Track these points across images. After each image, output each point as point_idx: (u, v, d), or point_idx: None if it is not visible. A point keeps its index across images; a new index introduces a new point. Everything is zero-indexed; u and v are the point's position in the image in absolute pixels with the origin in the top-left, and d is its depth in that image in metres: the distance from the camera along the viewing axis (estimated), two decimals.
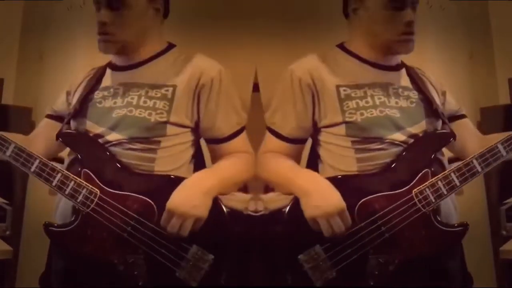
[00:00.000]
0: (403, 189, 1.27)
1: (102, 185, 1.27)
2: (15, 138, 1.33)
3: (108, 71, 1.45)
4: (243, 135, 1.44)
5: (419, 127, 1.34)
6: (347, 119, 1.33)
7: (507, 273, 1.97)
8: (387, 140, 1.31)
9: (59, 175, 1.27)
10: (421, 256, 1.24)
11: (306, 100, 1.38)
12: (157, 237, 1.24)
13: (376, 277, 1.22)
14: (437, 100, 1.42)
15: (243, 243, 1.33)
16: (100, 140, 1.32)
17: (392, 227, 1.24)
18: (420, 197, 1.25)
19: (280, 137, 1.42)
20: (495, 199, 2.03)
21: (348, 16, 1.45)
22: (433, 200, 1.25)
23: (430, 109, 1.37)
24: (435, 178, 1.27)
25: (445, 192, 1.26)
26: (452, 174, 1.26)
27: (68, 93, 1.48)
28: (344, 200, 1.24)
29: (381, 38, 1.38)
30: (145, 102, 1.34)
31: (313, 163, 1.42)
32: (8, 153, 1.28)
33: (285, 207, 1.31)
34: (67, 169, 1.32)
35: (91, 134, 1.33)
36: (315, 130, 1.41)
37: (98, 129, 1.34)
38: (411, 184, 1.27)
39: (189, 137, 1.39)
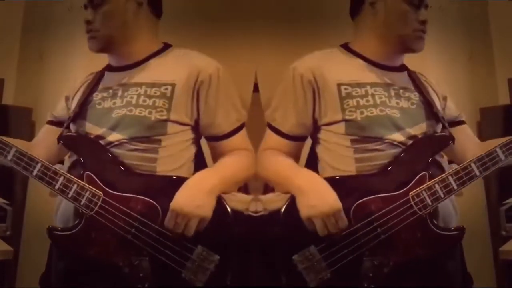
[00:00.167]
0: (400, 191, 1.26)
1: (105, 188, 1.27)
2: (16, 144, 1.32)
3: (106, 73, 1.45)
4: (243, 132, 1.44)
5: (418, 129, 1.34)
6: (347, 117, 1.33)
7: (506, 274, 1.97)
8: (386, 140, 1.31)
9: (62, 178, 1.26)
10: (417, 258, 1.24)
11: (307, 97, 1.38)
12: (161, 238, 1.24)
13: (370, 279, 1.22)
14: (438, 104, 1.42)
15: (244, 243, 1.32)
16: (101, 142, 1.32)
17: (388, 229, 1.23)
18: (417, 199, 1.25)
19: (280, 134, 1.42)
20: (495, 200, 2.03)
21: (356, 14, 1.46)
22: (430, 203, 1.25)
23: (431, 111, 1.37)
24: (433, 181, 1.26)
25: (442, 196, 1.25)
26: (450, 178, 1.26)
27: (67, 98, 1.48)
28: (341, 201, 1.24)
29: (397, 32, 1.39)
30: (144, 101, 1.34)
31: (313, 162, 1.42)
32: (10, 157, 1.27)
33: (282, 207, 1.30)
34: (68, 171, 1.32)
35: (91, 136, 1.33)
36: (315, 128, 1.41)
37: (98, 131, 1.33)
38: (408, 186, 1.27)
39: (189, 135, 1.39)
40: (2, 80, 2.18)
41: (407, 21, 1.38)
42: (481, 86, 2.28)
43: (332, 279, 1.22)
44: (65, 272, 1.30)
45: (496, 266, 2.03)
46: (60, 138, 1.35)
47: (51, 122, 1.49)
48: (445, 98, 1.48)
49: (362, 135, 1.32)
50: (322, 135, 1.39)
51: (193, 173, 1.36)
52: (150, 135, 1.32)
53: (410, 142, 1.31)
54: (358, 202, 1.25)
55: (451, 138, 1.34)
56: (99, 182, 1.27)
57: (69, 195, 1.25)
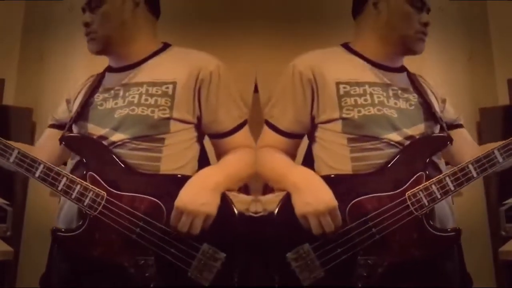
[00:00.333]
0: (396, 191, 1.25)
1: (108, 187, 1.26)
2: (25, 148, 1.32)
3: (107, 74, 1.45)
4: (246, 129, 1.43)
5: (416, 130, 1.33)
6: (344, 116, 1.33)
7: (506, 274, 1.97)
8: (383, 140, 1.31)
9: (64, 179, 1.25)
10: (412, 259, 1.22)
11: (306, 94, 1.38)
12: (166, 237, 1.22)
13: (364, 279, 1.21)
14: (436, 106, 1.42)
15: (247, 244, 1.31)
16: (104, 142, 1.31)
17: (383, 229, 1.22)
18: (413, 200, 1.24)
19: (277, 131, 1.42)
20: (495, 200, 2.03)
21: (358, 14, 1.46)
22: (426, 204, 1.23)
23: (429, 113, 1.37)
24: (430, 181, 1.25)
25: (439, 196, 1.24)
26: (447, 178, 1.25)
27: (68, 101, 1.48)
28: (336, 200, 1.22)
29: (399, 33, 1.39)
30: (146, 100, 1.33)
31: (310, 161, 1.41)
32: (12, 159, 1.26)
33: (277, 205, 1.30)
34: (71, 172, 1.30)
35: (94, 137, 1.32)
36: (312, 126, 1.40)
37: (101, 131, 1.32)
38: (405, 186, 1.25)
39: (192, 133, 1.38)
40: (3, 80, 2.19)
41: (409, 22, 1.38)
42: (480, 86, 2.29)
43: (325, 278, 1.21)
44: (69, 273, 1.29)
45: (495, 266, 2.04)
46: (62, 139, 1.34)
47: (53, 126, 1.49)
48: (444, 101, 1.48)
49: (359, 133, 1.31)
50: (319, 133, 1.39)
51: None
52: (153, 134, 1.32)
53: (408, 142, 1.31)
54: (354, 201, 1.24)
55: (449, 139, 1.33)
56: (102, 182, 1.26)
57: (72, 196, 1.24)
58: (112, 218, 1.23)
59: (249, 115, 1.49)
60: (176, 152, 1.34)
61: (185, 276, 1.22)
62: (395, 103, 1.35)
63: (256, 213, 1.45)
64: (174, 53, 1.44)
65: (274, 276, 1.24)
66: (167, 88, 1.35)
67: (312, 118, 1.39)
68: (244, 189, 1.52)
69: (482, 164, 1.25)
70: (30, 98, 2.28)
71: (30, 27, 2.35)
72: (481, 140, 2.13)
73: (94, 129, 1.33)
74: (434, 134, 1.35)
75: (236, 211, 1.29)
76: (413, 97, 1.38)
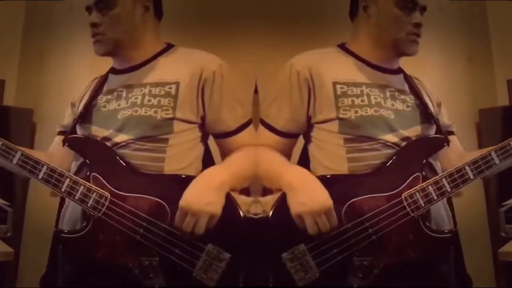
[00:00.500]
0: (392, 192, 1.24)
1: (112, 188, 1.25)
2: (37, 155, 1.31)
3: (110, 76, 1.45)
4: (251, 128, 1.42)
5: (413, 131, 1.33)
6: (341, 116, 1.32)
7: (506, 275, 1.97)
8: (379, 141, 1.30)
9: (68, 180, 1.24)
10: (408, 260, 1.22)
11: (303, 94, 1.37)
12: (171, 237, 1.22)
13: (360, 280, 1.20)
14: (432, 109, 1.41)
15: (248, 245, 1.31)
16: (107, 143, 1.31)
17: (380, 230, 1.21)
18: (410, 201, 1.23)
19: (273, 130, 1.41)
20: (494, 201, 2.03)
21: (354, 16, 1.46)
22: (423, 205, 1.23)
23: (425, 115, 1.36)
24: (426, 182, 1.24)
25: (435, 198, 1.23)
26: (444, 180, 1.24)
27: (73, 105, 1.48)
28: (332, 200, 1.22)
29: (390, 36, 1.38)
30: (149, 100, 1.33)
31: (305, 161, 1.40)
32: (15, 161, 1.26)
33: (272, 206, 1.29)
34: (75, 174, 1.30)
35: (98, 138, 1.32)
36: (308, 126, 1.39)
37: (104, 132, 1.32)
38: (401, 187, 1.25)
39: (196, 133, 1.37)
40: (3, 81, 2.19)
41: (399, 25, 1.37)
42: (480, 87, 2.29)
43: (321, 279, 1.20)
44: (73, 274, 1.28)
45: (495, 267, 2.04)
46: (65, 140, 1.34)
47: (61, 133, 1.48)
48: (439, 104, 1.48)
49: (355, 134, 1.31)
50: (315, 133, 1.38)
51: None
52: (156, 134, 1.31)
53: (404, 143, 1.30)
54: (350, 201, 1.23)
55: (446, 140, 1.33)
56: (105, 183, 1.26)
57: (76, 197, 1.24)
58: (115, 219, 1.23)
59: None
60: (179, 153, 1.33)
61: (190, 276, 1.21)
62: (392, 104, 1.35)
63: (256, 214, 1.45)
64: (177, 53, 1.44)
65: (269, 276, 1.23)
66: (170, 88, 1.35)
67: (309, 118, 1.38)
68: (245, 190, 1.52)
69: (478, 166, 1.25)
70: (30, 99, 2.28)
71: (31, 28, 2.35)
72: (480, 141, 2.14)
73: (98, 131, 1.33)
74: (431, 136, 1.35)
75: (241, 212, 1.28)
76: (410, 99, 1.38)
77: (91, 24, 1.38)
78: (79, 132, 1.37)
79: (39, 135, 2.18)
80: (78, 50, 2.35)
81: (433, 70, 2.27)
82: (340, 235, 1.21)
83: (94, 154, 1.30)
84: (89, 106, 1.38)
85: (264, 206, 1.44)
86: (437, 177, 1.25)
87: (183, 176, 1.30)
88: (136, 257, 1.21)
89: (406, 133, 1.32)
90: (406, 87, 1.41)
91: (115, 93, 1.38)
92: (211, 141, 1.44)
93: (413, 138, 1.32)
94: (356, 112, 1.32)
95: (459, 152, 1.45)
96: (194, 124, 1.36)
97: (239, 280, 1.23)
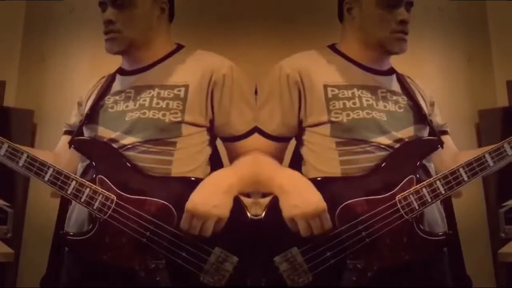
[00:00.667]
0: (386, 194, 1.22)
1: (118, 191, 1.23)
2: (43, 155, 1.30)
3: (118, 76, 1.42)
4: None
5: (406, 133, 1.31)
6: (332, 119, 1.30)
7: (506, 275, 1.97)
8: (372, 143, 1.28)
9: (74, 182, 1.23)
10: (402, 263, 1.20)
11: (293, 97, 1.35)
12: (177, 240, 1.20)
13: (354, 283, 1.18)
14: (425, 109, 1.39)
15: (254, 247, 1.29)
16: (114, 145, 1.29)
17: (373, 233, 1.19)
18: (404, 203, 1.21)
19: (264, 134, 1.39)
20: (494, 202, 2.03)
21: (342, 18, 1.44)
22: (417, 207, 1.21)
23: (418, 116, 1.34)
24: (420, 185, 1.22)
25: (429, 200, 1.22)
26: (438, 182, 1.22)
27: (79, 104, 1.46)
28: (326, 203, 1.19)
29: (374, 37, 1.36)
30: (157, 103, 1.31)
31: (297, 164, 1.38)
32: (21, 163, 1.25)
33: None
34: (81, 176, 1.29)
35: (104, 140, 1.30)
36: (300, 130, 1.37)
37: (111, 134, 1.30)
38: (395, 189, 1.22)
39: (205, 136, 1.35)
40: (4, 82, 2.19)
41: (383, 24, 1.34)
42: (480, 88, 2.29)
43: (314, 282, 1.18)
44: (79, 277, 1.26)
45: (495, 268, 2.04)
46: (71, 142, 1.32)
47: (67, 132, 1.47)
48: (432, 104, 1.46)
49: (347, 137, 1.29)
50: (306, 136, 1.36)
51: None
52: (164, 137, 1.29)
53: (397, 145, 1.29)
54: (344, 204, 1.21)
55: (440, 142, 1.31)
56: (112, 185, 1.24)
57: (82, 199, 1.22)
58: (122, 221, 1.21)
59: None
60: (187, 156, 1.31)
61: (196, 280, 1.19)
62: (384, 106, 1.33)
63: (256, 215, 1.45)
64: (187, 54, 1.42)
65: (261, 280, 1.20)
66: (179, 91, 1.33)
67: (300, 121, 1.36)
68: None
69: (472, 168, 1.24)
70: (31, 100, 2.28)
71: (31, 29, 2.35)
72: (480, 142, 2.14)
73: (105, 132, 1.32)
74: (425, 137, 1.33)
75: (249, 215, 1.26)
76: (402, 100, 1.36)
77: (106, 21, 1.35)
78: (86, 133, 1.35)
79: (40, 136, 2.18)
80: (78, 51, 2.35)
81: (433, 71, 2.27)
82: (333, 238, 1.19)
83: (101, 156, 1.29)
84: (96, 107, 1.36)
85: (263, 207, 1.44)
86: (431, 179, 1.23)
87: (192, 178, 1.28)
88: (142, 260, 1.20)
89: (399, 135, 1.30)
90: (398, 88, 1.39)
91: (123, 94, 1.36)
92: (219, 143, 1.42)
93: (406, 140, 1.30)
94: (348, 115, 1.30)
95: (452, 152, 1.44)
96: (203, 127, 1.35)
97: (247, 283, 1.21)
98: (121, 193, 1.24)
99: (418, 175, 1.25)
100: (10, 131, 2.03)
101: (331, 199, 1.21)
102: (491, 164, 1.24)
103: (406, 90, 1.39)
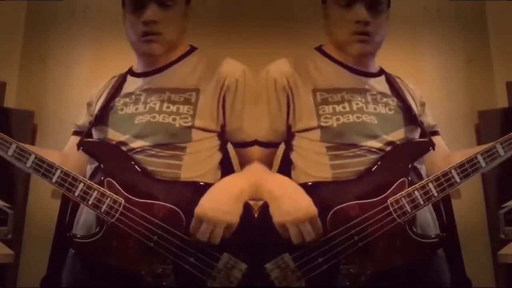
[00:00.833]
0: (378, 198, 1.21)
1: (126, 194, 1.23)
2: (52, 155, 1.32)
3: (129, 78, 1.41)
4: None
5: (397, 135, 1.30)
6: (322, 124, 1.28)
7: (506, 277, 1.97)
8: (363, 147, 1.27)
9: (82, 184, 1.22)
10: (395, 267, 1.18)
11: (281, 102, 1.33)
12: (185, 246, 1.19)
13: None
14: (415, 110, 1.38)
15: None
16: (123, 148, 1.28)
17: (366, 237, 1.18)
18: (396, 206, 1.20)
19: (253, 140, 1.37)
20: (494, 203, 2.03)
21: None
22: (409, 210, 1.20)
23: (409, 117, 1.33)
24: (412, 187, 1.21)
25: (422, 202, 1.21)
26: (430, 184, 1.21)
27: (89, 104, 1.45)
28: (317, 208, 1.18)
29: (336, 38, 1.35)
30: (168, 107, 1.30)
31: (286, 169, 1.37)
32: (29, 164, 1.24)
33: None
34: (90, 178, 1.29)
35: (113, 142, 1.29)
36: (289, 135, 1.35)
37: (120, 137, 1.29)
38: (387, 193, 1.21)
39: (215, 141, 1.34)
40: (4, 83, 2.19)
41: (342, 25, 1.33)
42: (479, 88, 2.28)
43: None
44: (85, 279, 1.26)
45: (495, 269, 2.03)
46: (79, 144, 1.32)
47: (76, 133, 1.46)
48: (422, 104, 1.45)
49: (338, 142, 1.27)
50: (296, 141, 1.34)
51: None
52: (174, 142, 1.28)
53: (389, 148, 1.27)
54: (335, 208, 1.19)
55: (431, 144, 1.30)
56: (120, 188, 1.23)
57: (90, 202, 1.22)
58: (129, 225, 1.20)
59: None
60: (197, 161, 1.30)
61: (204, 286, 1.18)
62: (375, 108, 1.31)
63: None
64: (199, 57, 1.40)
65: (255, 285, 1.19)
66: (190, 95, 1.32)
67: (289, 127, 1.35)
68: None
69: (465, 169, 1.23)
70: (31, 101, 2.28)
71: (32, 30, 2.36)
72: (480, 142, 2.13)
73: (114, 135, 1.31)
74: (416, 140, 1.33)
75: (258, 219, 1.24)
76: (392, 101, 1.34)
77: (149, 22, 1.31)
78: (95, 135, 1.35)
79: (40, 137, 2.18)
80: (79, 52, 2.36)
81: (433, 72, 2.27)
82: (326, 243, 1.18)
83: (109, 159, 1.28)
84: (106, 108, 1.35)
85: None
86: (423, 181, 1.22)
87: (202, 183, 1.26)
88: (149, 264, 1.19)
89: (389, 137, 1.28)
90: (387, 89, 1.37)
91: (133, 96, 1.35)
92: (230, 147, 1.41)
93: (397, 142, 1.28)
94: (338, 119, 1.28)
95: (444, 153, 1.42)
96: (213, 132, 1.33)
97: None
98: (129, 196, 1.23)
99: (409, 178, 1.24)
100: (11, 131, 2.02)
101: (322, 204, 1.19)
102: (483, 165, 1.24)
103: (396, 91, 1.37)
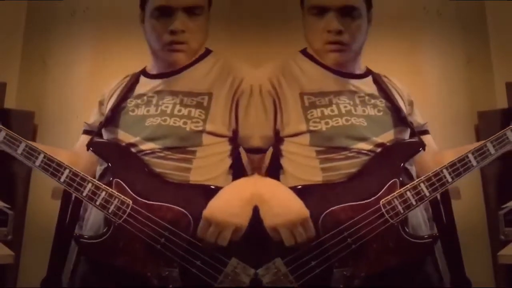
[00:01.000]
0: (370, 199, 1.21)
1: (134, 195, 1.23)
2: (63, 154, 1.32)
3: (143, 78, 1.41)
4: None
5: (387, 136, 1.30)
6: (311, 128, 1.28)
7: (506, 278, 1.97)
8: (353, 150, 1.27)
9: (90, 185, 1.23)
10: (389, 268, 1.18)
11: (267, 107, 1.33)
12: (193, 249, 1.18)
13: None
14: (404, 109, 1.38)
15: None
16: (133, 149, 1.28)
17: (359, 239, 1.17)
18: (388, 207, 1.20)
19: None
20: (494, 204, 2.03)
21: None
22: (402, 211, 1.20)
23: (398, 117, 1.33)
24: (404, 188, 1.21)
25: (414, 203, 1.21)
26: (422, 184, 1.21)
27: (101, 103, 1.44)
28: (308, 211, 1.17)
29: (312, 46, 1.35)
30: (179, 110, 1.30)
31: (274, 174, 1.36)
32: (38, 163, 1.25)
33: None
34: (99, 179, 1.29)
35: (123, 144, 1.30)
36: (277, 140, 1.35)
37: (131, 139, 1.30)
38: (379, 194, 1.21)
39: (226, 146, 1.33)
40: (4, 84, 2.19)
41: (316, 34, 1.32)
42: (479, 89, 2.28)
43: None
44: (90, 280, 1.26)
45: (495, 270, 2.03)
46: (89, 144, 1.31)
47: (87, 132, 1.46)
48: (411, 103, 1.44)
49: (327, 145, 1.27)
50: (285, 146, 1.33)
51: None
52: (184, 145, 1.28)
53: (379, 149, 1.27)
54: (327, 211, 1.18)
55: (422, 145, 1.30)
56: (128, 189, 1.23)
57: (97, 203, 1.22)
58: (136, 226, 1.20)
59: None
60: (207, 165, 1.29)
61: None
62: (363, 111, 1.31)
63: None
64: (213, 61, 1.40)
65: None
66: (203, 99, 1.31)
67: (277, 132, 1.34)
68: None
69: (456, 169, 1.23)
70: (31, 101, 2.28)
71: (32, 30, 2.35)
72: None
73: (125, 136, 1.31)
74: (407, 140, 1.32)
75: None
76: (381, 102, 1.34)
77: (176, 31, 1.31)
78: (105, 135, 1.35)
79: (40, 138, 2.18)
80: (79, 53, 2.36)
81: (432, 72, 2.27)
82: (318, 246, 1.17)
83: (118, 160, 1.28)
84: (118, 108, 1.35)
85: None
86: (415, 182, 1.22)
87: (212, 186, 1.26)
88: (155, 266, 1.18)
89: (379, 139, 1.28)
90: (375, 90, 1.37)
91: (145, 97, 1.35)
92: (243, 152, 1.40)
93: (387, 144, 1.28)
94: (327, 123, 1.28)
95: (433, 152, 1.42)
96: (225, 137, 1.32)
97: None
98: (137, 197, 1.23)
99: (401, 179, 1.24)
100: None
101: (313, 207, 1.18)
102: (475, 164, 1.24)
103: (384, 91, 1.36)
